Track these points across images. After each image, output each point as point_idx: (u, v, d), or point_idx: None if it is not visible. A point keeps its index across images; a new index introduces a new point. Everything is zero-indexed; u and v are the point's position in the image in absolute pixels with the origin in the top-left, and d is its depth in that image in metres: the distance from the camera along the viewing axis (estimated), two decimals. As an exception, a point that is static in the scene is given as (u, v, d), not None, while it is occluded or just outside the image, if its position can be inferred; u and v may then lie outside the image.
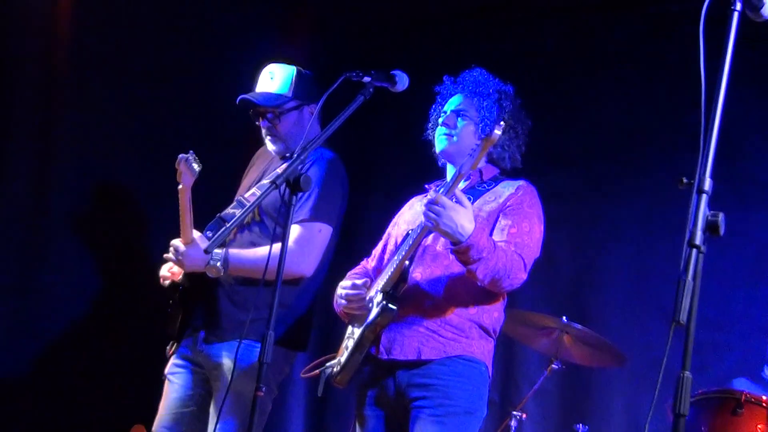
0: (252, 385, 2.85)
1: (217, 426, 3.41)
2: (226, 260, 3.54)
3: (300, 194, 2.95)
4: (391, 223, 3.60)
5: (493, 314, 3.18)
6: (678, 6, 5.19)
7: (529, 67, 5.58)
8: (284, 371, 3.81)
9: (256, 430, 2.97)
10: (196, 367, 3.74)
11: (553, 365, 4.48)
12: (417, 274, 3.13)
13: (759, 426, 3.76)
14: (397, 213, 3.63)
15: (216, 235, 2.97)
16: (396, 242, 3.37)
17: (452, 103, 3.38)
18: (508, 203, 3.14)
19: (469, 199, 3.09)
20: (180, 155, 3.58)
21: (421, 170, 3.81)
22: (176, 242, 3.63)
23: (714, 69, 2.09)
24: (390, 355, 3.11)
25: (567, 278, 5.57)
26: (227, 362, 3.54)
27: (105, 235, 5.34)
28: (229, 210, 3.84)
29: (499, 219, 3.12)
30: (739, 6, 2.16)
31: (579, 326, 4.33)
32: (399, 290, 3.06)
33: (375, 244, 3.69)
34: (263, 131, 3.93)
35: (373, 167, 6.21)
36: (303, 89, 3.85)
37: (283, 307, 3.52)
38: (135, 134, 5.34)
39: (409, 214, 3.47)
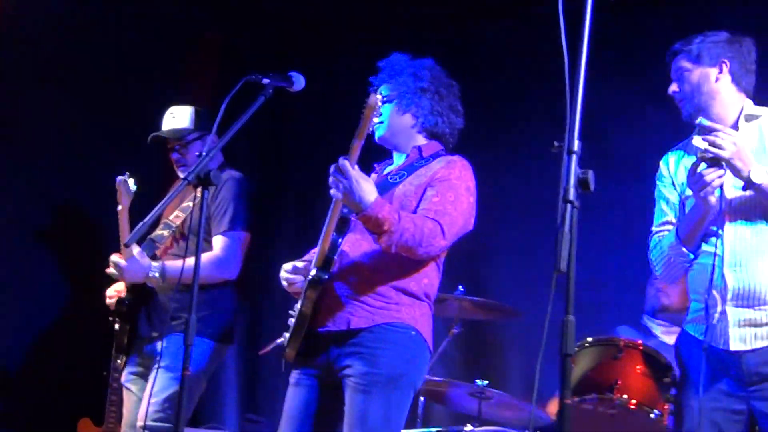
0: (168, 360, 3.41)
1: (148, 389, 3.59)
2: (162, 271, 3.70)
3: (216, 210, 3.25)
4: None
5: (423, 280, 3.05)
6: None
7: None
8: (216, 361, 3.95)
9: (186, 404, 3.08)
10: (146, 370, 3.85)
11: (454, 329, 4.43)
12: (346, 246, 3.00)
13: (637, 367, 3.78)
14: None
15: (134, 231, 2.85)
16: None
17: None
18: (437, 175, 3.01)
19: (403, 175, 3.08)
20: (117, 177, 3.78)
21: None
22: (115, 258, 3.73)
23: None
24: (324, 327, 2.98)
25: (462, 249, 5.54)
26: (166, 344, 3.63)
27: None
28: (158, 232, 3.92)
29: (427, 191, 3.00)
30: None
31: (474, 298, 4.33)
32: (329, 263, 2.93)
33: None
34: (174, 163, 4.07)
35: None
36: (202, 122, 4.04)
37: (216, 310, 3.81)
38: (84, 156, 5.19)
39: None
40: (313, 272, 2.94)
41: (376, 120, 3.11)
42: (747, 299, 2.72)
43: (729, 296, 2.74)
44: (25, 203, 4.95)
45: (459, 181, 3.04)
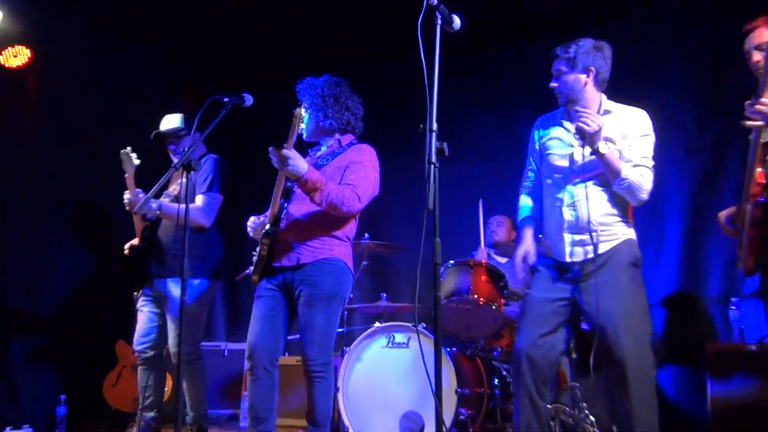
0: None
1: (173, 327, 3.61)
2: (159, 206, 3.61)
3: (192, 173, 2.91)
4: None
5: (346, 228, 3.10)
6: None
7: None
8: (211, 294, 3.86)
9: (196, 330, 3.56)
10: (155, 299, 3.75)
11: (364, 263, 4.44)
12: (293, 209, 3.04)
13: (483, 277, 3.80)
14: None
15: (146, 196, 3.01)
16: None
17: (306, 99, 3.18)
18: (352, 159, 3.03)
19: (328, 159, 3.08)
20: (121, 150, 3.66)
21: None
22: (127, 195, 3.62)
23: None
24: (279, 263, 3.00)
25: (368, 208, 5.55)
26: (173, 289, 3.62)
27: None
28: (162, 199, 3.76)
29: (346, 171, 3.02)
30: (439, 21, 2.18)
31: (376, 241, 4.34)
32: (277, 221, 2.99)
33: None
34: (171, 152, 3.96)
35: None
36: (189, 123, 3.92)
37: (209, 252, 3.75)
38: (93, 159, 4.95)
39: None
40: (267, 227, 3.00)
41: (302, 125, 3.13)
42: (580, 227, 2.72)
43: (565, 226, 2.75)
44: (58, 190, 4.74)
45: (367, 162, 3.08)
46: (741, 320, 3.83)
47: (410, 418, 3.59)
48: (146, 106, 5.00)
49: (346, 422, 3.72)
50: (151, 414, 3.74)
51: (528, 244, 2.86)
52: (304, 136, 3.20)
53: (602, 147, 2.63)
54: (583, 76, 2.76)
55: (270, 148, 2.79)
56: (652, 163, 2.74)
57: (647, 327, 2.63)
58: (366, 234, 4.33)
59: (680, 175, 4.51)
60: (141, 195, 3.60)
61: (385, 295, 4.20)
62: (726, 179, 4.33)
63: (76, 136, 4.84)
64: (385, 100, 5.48)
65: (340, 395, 3.76)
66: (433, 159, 2.04)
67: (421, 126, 2.08)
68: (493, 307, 3.70)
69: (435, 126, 2.07)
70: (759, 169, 2.46)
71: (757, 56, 2.48)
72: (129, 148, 3.66)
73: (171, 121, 3.97)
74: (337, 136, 3.19)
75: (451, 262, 3.89)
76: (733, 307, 3.87)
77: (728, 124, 4.35)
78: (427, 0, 2.13)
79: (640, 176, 2.66)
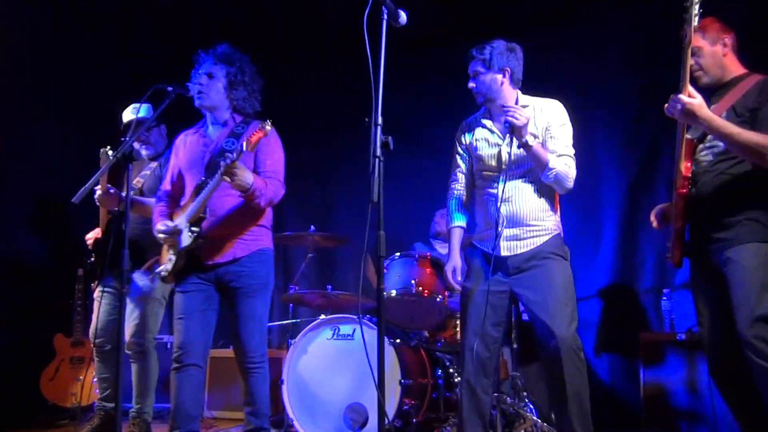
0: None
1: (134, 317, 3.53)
2: (133, 200, 3.43)
3: (156, 168, 2.92)
4: (173, 153, 3.16)
5: (268, 215, 3.04)
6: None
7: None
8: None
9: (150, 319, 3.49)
10: (114, 290, 3.63)
11: (309, 255, 4.41)
12: (216, 205, 2.90)
13: (427, 270, 3.85)
14: (173, 146, 3.22)
15: (81, 190, 2.76)
16: (189, 178, 3.01)
17: (204, 66, 3.02)
18: (261, 144, 2.84)
19: (233, 143, 2.91)
20: (100, 150, 3.53)
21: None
22: (99, 190, 3.48)
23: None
24: (213, 261, 2.89)
25: (314, 200, 5.57)
26: (141, 281, 3.50)
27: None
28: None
29: (258, 156, 2.93)
30: (385, 16, 2.19)
31: (321, 233, 4.29)
32: (200, 222, 2.86)
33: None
34: (141, 143, 3.77)
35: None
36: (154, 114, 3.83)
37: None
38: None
39: (189, 152, 3.05)
40: (187, 227, 2.85)
41: (197, 88, 2.98)
42: (513, 223, 2.79)
43: (499, 222, 2.78)
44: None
45: (276, 146, 3.01)
46: (672, 310, 3.98)
47: (354, 410, 3.60)
48: (101, 95, 4.89)
49: (291, 415, 3.70)
50: (111, 404, 3.66)
51: (455, 260, 2.96)
52: (198, 103, 3.01)
53: (530, 140, 2.71)
54: (499, 76, 2.83)
55: (235, 167, 2.66)
56: (573, 151, 2.82)
57: (576, 315, 2.73)
58: (312, 226, 4.30)
59: (618, 170, 4.65)
60: (112, 191, 3.52)
61: (330, 286, 4.17)
62: (661, 174, 4.49)
63: (19, 124, 4.69)
64: (333, 94, 5.48)
65: (284, 387, 3.74)
66: (378, 152, 2.05)
67: (367, 120, 2.08)
68: (438, 299, 3.75)
69: (380, 120, 2.07)
70: (686, 164, 2.59)
71: (690, 61, 2.59)
72: (108, 147, 3.57)
73: (140, 111, 3.79)
74: (227, 116, 3.05)
75: (397, 254, 3.92)
76: (665, 298, 4.03)
77: (663, 121, 4.51)
78: (373, -5, 2.13)
79: (566, 165, 2.75)
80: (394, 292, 3.77)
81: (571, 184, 2.79)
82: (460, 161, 3.04)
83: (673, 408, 3.63)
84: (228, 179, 2.70)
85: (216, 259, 2.89)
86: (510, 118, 2.69)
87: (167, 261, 2.94)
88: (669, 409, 3.63)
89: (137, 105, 3.84)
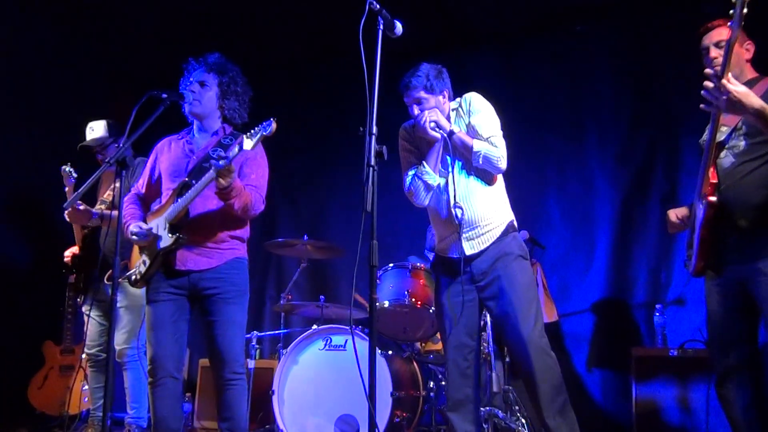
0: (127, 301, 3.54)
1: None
2: (101, 214, 3.62)
3: (125, 177, 2.81)
4: (153, 156, 3.08)
5: (246, 228, 2.98)
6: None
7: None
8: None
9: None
10: (101, 301, 3.68)
11: (303, 264, 4.36)
12: (197, 211, 2.84)
13: (421, 281, 3.83)
14: (153, 150, 3.12)
15: (73, 195, 2.77)
16: (168, 183, 2.93)
17: (195, 75, 2.98)
18: (248, 155, 2.84)
19: (220, 151, 2.79)
20: (62, 167, 3.76)
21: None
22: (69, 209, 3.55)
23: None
24: (185, 266, 2.81)
25: (308, 209, 5.56)
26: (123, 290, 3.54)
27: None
28: (97, 207, 3.73)
29: (243, 169, 2.87)
30: (381, 26, 2.19)
31: (314, 241, 4.21)
32: (183, 222, 2.80)
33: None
34: (100, 162, 3.88)
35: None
36: (115, 130, 3.91)
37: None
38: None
39: (173, 156, 2.99)
40: (168, 227, 2.79)
41: (191, 96, 2.95)
42: (466, 224, 2.78)
43: (455, 223, 2.78)
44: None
45: (262, 160, 2.97)
46: (664, 325, 3.96)
47: (346, 422, 3.56)
48: (82, 103, 4.87)
49: (281, 426, 3.66)
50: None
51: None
52: (189, 110, 2.96)
53: (454, 128, 2.83)
54: (441, 98, 2.89)
55: (219, 162, 2.62)
56: (499, 132, 2.83)
57: (540, 313, 2.74)
58: (305, 235, 4.27)
59: (611, 185, 4.65)
60: (82, 207, 3.52)
61: (323, 297, 4.14)
62: (653, 188, 4.50)
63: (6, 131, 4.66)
64: (327, 103, 5.48)
65: (275, 398, 3.70)
66: (372, 161, 2.03)
67: (361, 129, 2.07)
68: (431, 310, 3.71)
69: (375, 129, 2.06)
70: (712, 169, 2.44)
71: (714, 53, 2.56)
72: (68, 165, 3.73)
73: (96, 130, 3.89)
74: (218, 125, 3.02)
75: (391, 265, 3.90)
76: (657, 313, 4.01)
77: (656, 135, 4.53)
78: (370, 5, 2.12)
79: (491, 145, 2.78)
80: (387, 303, 3.75)
81: (501, 164, 2.79)
82: (410, 156, 3.00)
83: (666, 424, 3.59)
84: (224, 179, 2.64)
85: (189, 266, 2.80)
86: (427, 127, 2.76)
87: (140, 264, 2.88)
88: (661, 425, 3.60)
89: (92, 124, 3.92)
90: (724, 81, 2.22)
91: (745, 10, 2.18)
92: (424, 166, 2.87)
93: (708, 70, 2.29)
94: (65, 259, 3.83)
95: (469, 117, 2.88)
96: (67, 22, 5.03)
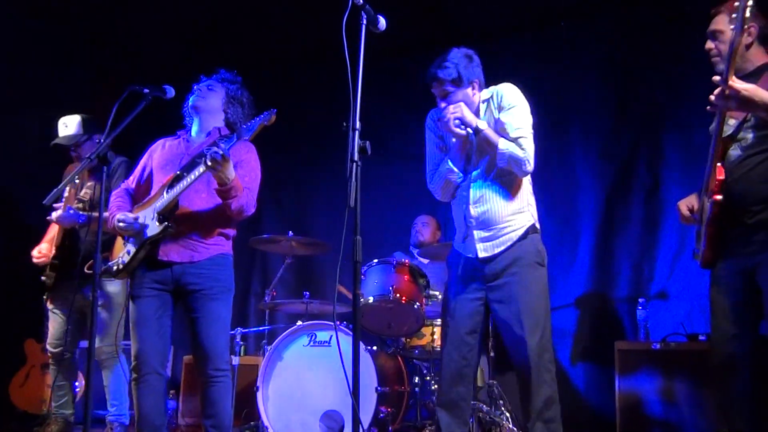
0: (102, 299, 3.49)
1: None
2: (89, 218, 3.53)
3: (108, 166, 2.74)
4: (146, 156, 3.09)
5: (233, 226, 2.97)
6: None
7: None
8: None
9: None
10: (65, 299, 3.65)
11: (287, 260, 4.35)
12: (187, 202, 2.83)
13: (405, 277, 3.81)
14: (147, 150, 3.12)
15: (52, 192, 2.72)
16: (159, 177, 2.93)
17: (206, 82, 3.07)
18: (242, 158, 2.88)
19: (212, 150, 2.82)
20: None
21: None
22: (56, 214, 3.54)
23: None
24: (168, 258, 2.79)
25: (292, 207, 5.54)
26: (109, 288, 3.58)
27: None
28: (75, 205, 3.65)
29: (237, 170, 2.82)
30: (364, 21, 2.16)
31: (299, 237, 4.21)
32: (172, 213, 2.78)
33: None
34: (75, 159, 3.82)
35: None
36: (88, 126, 3.81)
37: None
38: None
39: (167, 153, 3.01)
40: (156, 218, 2.77)
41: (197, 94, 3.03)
42: (484, 224, 2.73)
43: (474, 223, 2.75)
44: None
45: (255, 163, 2.97)
46: (647, 319, 3.99)
47: (330, 417, 3.55)
48: (66, 97, 4.81)
49: (266, 422, 3.64)
50: (68, 411, 3.69)
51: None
52: (194, 102, 3.01)
53: (481, 124, 2.68)
54: (470, 90, 2.77)
55: (216, 151, 2.60)
56: (529, 131, 2.71)
57: (548, 323, 2.68)
58: (290, 231, 4.25)
59: (595, 180, 4.67)
60: (72, 210, 3.50)
61: (308, 293, 4.12)
62: (637, 183, 4.52)
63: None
64: (312, 99, 5.45)
65: (260, 394, 3.68)
66: (356, 157, 2.02)
67: (345, 124, 2.05)
68: (415, 306, 3.71)
69: (358, 124, 2.04)
70: (719, 164, 2.40)
71: (709, 44, 2.51)
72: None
73: (69, 126, 3.78)
74: (219, 124, 3.04)
75: (375, 261, 3.88)
76: (640, 307, 4.04)
77: (639, 130, 4.56)
78: (353, 0, 2.10)
79: (518, 147, 2.66)
80: (371, 299, 3.73)
81: (527, 167, 2.67)
82: (435, 149, 2.94)
83: (648, 417, 3.62)
84: (214, 168, 2.61)
85: (172, 257, 2.79)
86: (450, 125, 2.66)
87: (123, 254, 2.85)
88: (644, 418, 3.63)
89: (65, 120, 3.81)
90: (730, 82, 2.21)
91: (747, 14, 2.16)
92: (447, 163, 2.79)
93: (715, 78, 2.27)
94: (34, 260, 3.73)
95: (499, 112, 2.75)
96: (47, 16, 4.97)
